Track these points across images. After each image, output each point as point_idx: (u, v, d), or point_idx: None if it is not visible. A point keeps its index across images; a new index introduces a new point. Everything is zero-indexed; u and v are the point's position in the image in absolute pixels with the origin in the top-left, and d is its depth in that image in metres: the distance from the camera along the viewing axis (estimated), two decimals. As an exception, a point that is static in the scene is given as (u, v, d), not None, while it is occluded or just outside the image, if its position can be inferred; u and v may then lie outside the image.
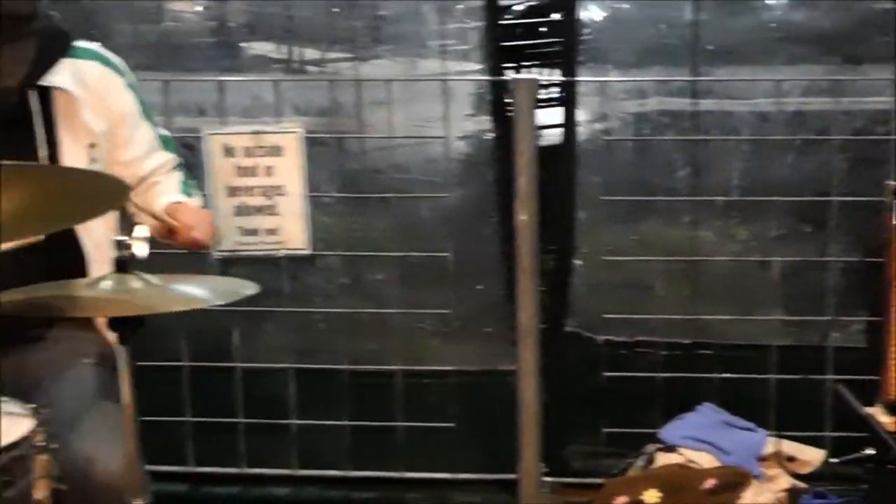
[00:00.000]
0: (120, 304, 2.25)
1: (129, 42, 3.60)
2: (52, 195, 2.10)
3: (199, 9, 4.10)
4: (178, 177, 2.96)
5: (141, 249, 2.28)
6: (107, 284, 2.29)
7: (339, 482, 3.80)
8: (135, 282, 2.28)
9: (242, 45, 4.02)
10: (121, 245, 2.27)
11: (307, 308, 3.72)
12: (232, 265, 3.58)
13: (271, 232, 3.58)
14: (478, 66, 3.70)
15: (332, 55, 4.71)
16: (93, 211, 2.28)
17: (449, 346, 3.77)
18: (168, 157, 2.95)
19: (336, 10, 3.75)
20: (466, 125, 3.68)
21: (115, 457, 2.48)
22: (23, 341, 2.77)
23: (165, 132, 2.99)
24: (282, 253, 3.60)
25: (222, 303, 2.32)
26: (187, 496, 3.77)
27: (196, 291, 2.34)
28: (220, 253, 3.58)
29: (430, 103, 3.66)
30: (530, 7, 3.87)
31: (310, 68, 4.75)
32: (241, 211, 3.56)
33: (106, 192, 2.17)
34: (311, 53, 4.50)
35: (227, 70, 3.77)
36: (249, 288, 2.38)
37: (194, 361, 3.72)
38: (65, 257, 2.70)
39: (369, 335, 3.75)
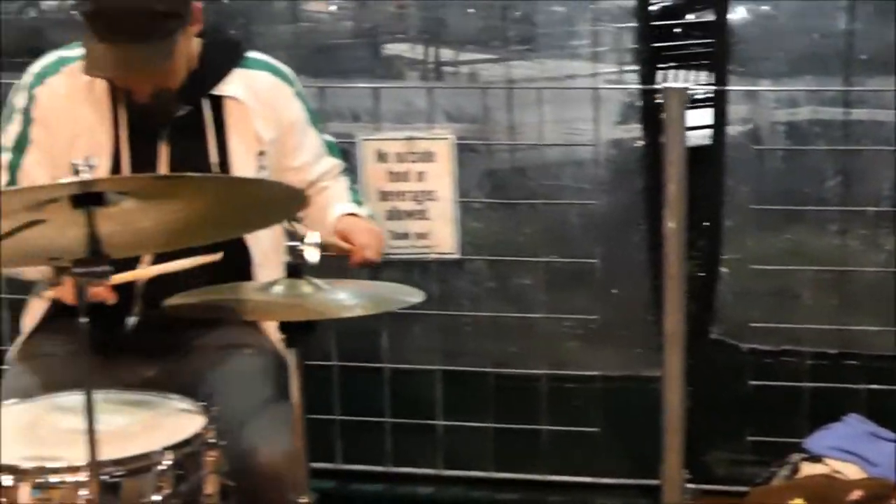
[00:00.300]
0: (292, 309, 2.34)
1: (267, 43, 3.67)
2: (231, 204, 2.19)
3: (333, 8, 4.16)
4: (344, 182, 3.05)
5: (312, 255, 2.35)
6: (279, 289, 2.38)
7: (482, 483, 3.84)
8: (306, 286, 2.36)
9: (377, 45, 4.07)
10: (293, 251, 2.35)
11: (454, 311, 3.78)
12: (383, 268, 3.65)
13: (421, 236, 3.64)
14: (622, 68, 3.71)
15: (468, 56, 4.73)
16: (270, 219, 2.37)
17: (593, 351, 3.79)
18: (334, 163, 3.04)
19: (472, 10, 3.79)
20: (616, 131, 3.70)
21: (279, 451, 2.57)
22: (188, 339, 2.89)
23: (330, 138, 3.08)
24: (431, 257, 3.66)
25: (389, 309, 2.39)
26: (335, 492, 3.85)
27: (364, 297, 2.42)
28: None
29: (580, 107, 3.68)
30: (678, 10, 3.86)
31: (446, 69, 4.78)
32: (393, 215, 3.62)
33: (284, 202, 2.25)
34: (447, 54, 4.53)
35: (362, 71, 3.83)
36: (415, 295, 2.44)
37: (344, 361, 3.80)
38: (233, 263, 2.80)
39: (515, 339, 3.79)
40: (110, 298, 2.54)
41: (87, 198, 2.01)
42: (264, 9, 3.87)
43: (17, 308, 3.74)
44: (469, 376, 3.79)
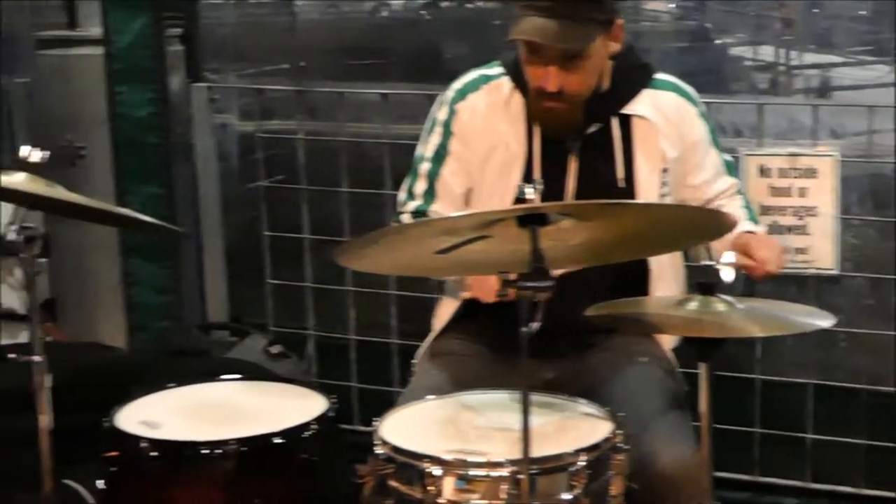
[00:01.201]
0: (706, 325, 2.44)
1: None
2: (658, 225, 2.32)
3: (672, 6, 4.22)
4: (739, 201, 3.12)
5: (727, 275, 2.46)
6: (693, 305, 2.49)
7: (849, 498, 3.83)
8: (719, 304, 2.47)
9: (719, 47, 4.09)
10: (708, 269, 2.46)
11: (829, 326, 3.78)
12: (758, 283, 3.69)
13: (801, 251, 3.65)
14: None
15: (812, 59, 4.68)
16: (694, 240, 2.49)
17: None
18: (732, 182, 3.12)
19: (816, 10, 3.76)
20: None
21: (678, 459, 2.68)
22: (587, 345, 3.03)
23: (729, 158, 3.15)
24: (809, 272, 3.68)
25: (799, 331, 2.46)
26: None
27: (775, 317, 2.50)
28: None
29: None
30: None
31: (794, 72, 4.75)
32: (773, 230, 3.64)
33: (710, 226, 2.36)
34: (795, 57, 4.50)
35: (705, 73, 3.85)
36: (825, 319, 2.50)
37: (717, 371, 3.86)
38: (632, 275, 2.92)
39: (891, 357, 3.76)
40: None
41: (532, 218, 2.18)
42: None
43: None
44: (842, 392, 3.79)
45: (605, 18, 2.84)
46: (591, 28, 2.82)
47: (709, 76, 4.29)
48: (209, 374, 3.12)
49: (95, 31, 4.24)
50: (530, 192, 2.20)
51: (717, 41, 4.87)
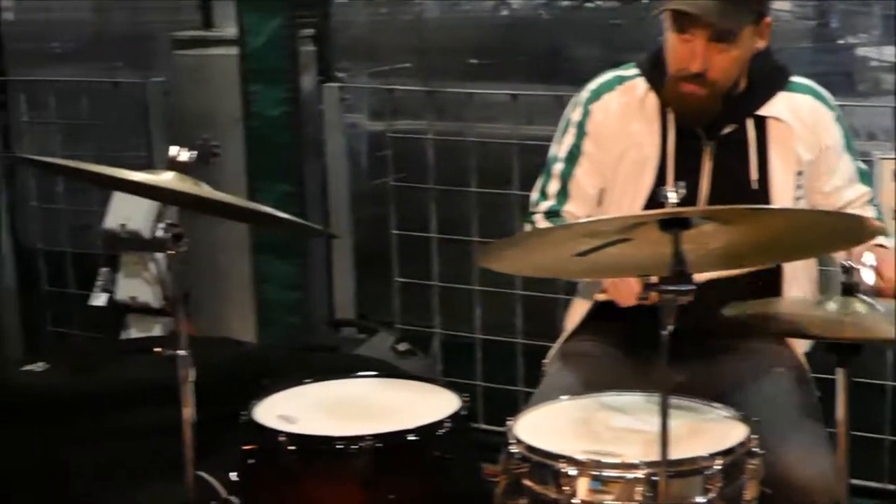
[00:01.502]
0: (847, 327, 2.42)
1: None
2: (799, 230, 2.32)
3: (791, 6, 4.16)
4: (872, 212, 3.06)
5: (868, 276, 2.44)
6: (832, 306, 2.47)
7: None
8: (859, 305, 2.45)
9: (844, 47, 4.03)
10: (848, 270, 2.44)
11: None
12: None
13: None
14: None
15: None
16: (834, 247, 2.48)
17: None
18: (865, 191, 3.07)
19: None
20: None
21: (812, 468, 2.65)
22: (719, 349, 3.02)
23: (863, 166, 3.11)
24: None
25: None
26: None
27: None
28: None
29: None
30: None
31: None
32: (906, 235, 3.60)
33: (851, 232, 2.35)
34: None
35: (825, 75, 3.79)
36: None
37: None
38: (765, 276, 2.91)
39: None
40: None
41: (674, 221, 2.19)
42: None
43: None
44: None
45: (757, 9, 2.84)
46: (744, 13, 2.81)
47: (835, 77, 4.23)
48: (339, 370, 3.16)
49: (230, 31, 4.33)
50: (672, 196, 2.21)
51: (841, 41, 4.81)
